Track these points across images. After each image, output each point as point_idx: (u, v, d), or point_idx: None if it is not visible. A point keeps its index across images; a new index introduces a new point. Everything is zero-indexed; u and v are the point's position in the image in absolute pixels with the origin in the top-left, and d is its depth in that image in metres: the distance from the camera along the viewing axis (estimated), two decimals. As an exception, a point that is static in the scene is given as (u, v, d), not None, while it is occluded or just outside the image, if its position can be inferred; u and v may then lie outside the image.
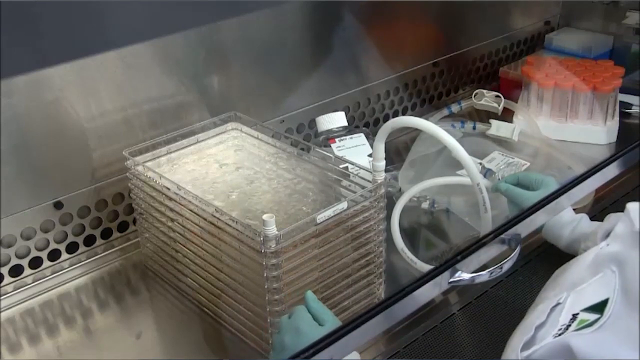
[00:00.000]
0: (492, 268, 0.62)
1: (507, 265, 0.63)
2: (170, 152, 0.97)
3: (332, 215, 0.79)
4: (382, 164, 0.83)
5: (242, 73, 1.14)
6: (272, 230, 0.75)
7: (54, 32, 0.87)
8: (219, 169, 0.96)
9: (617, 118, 1.32)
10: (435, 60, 1.43)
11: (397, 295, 0.50)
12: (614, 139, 1.31)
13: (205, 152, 0.99)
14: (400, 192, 1.14)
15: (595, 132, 1.30)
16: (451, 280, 0.57)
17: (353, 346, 0.48)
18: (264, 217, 0.75)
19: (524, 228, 0.61)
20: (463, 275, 0.57)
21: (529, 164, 1.23)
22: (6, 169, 0.91)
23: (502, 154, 1.26)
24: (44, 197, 0.96)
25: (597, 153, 1.27)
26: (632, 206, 0.63)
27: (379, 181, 0.82)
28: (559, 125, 1.32)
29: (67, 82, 0.94)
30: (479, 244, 0.57)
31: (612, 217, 0.87)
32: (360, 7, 1.24)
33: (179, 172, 0.95)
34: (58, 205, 0.98)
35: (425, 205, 1.10)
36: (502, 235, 0.61)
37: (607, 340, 0.48)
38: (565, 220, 0.94)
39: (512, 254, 0.64)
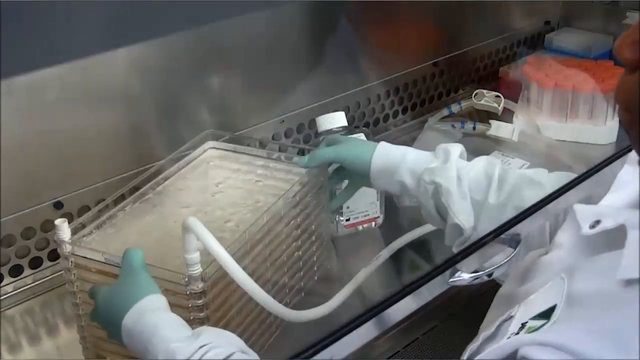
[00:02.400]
0: (492, 268, 0.62)
1: (507, 265, 0.63)
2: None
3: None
4: (194, 256, 0.71)
5: (242, 73, 1.13)
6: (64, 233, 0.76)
7: (55, 32, 0.87)
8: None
9: (617, 118, 1.32)
10: (435, 60, 1.43)
11: (397, 295, 0.50)
12: (614, 139, 1.31)
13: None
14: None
15: (595, 132, 1.30)
16: (451, 280, 0.57)
17: (353, 346, 0.48)
18: (56, 221, 0.76)
19: (524, 228, 0.61)
20: (463, 275, 0.58)
21: (529, 163, 1.23)
22: (6, 168, 0.91)
23: (502, 154, 1.26)
24: (44, 197, 0.96)
25: (597, 153, 1.27)
26: (578, 208, 0.58)
27: (194, 275, 0.71)
28: (559, 125, 1.32)
29: (67, 82, 0.94)
30: (479, 244, 0.57)
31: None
32: (360, 7, 1.24)
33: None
34: (58, 205, 0.98)
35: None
36: (502, 235, 0.61)
37: (548, 342, 0.48)
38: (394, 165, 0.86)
39: (512, 254, 0.64)
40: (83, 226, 0.81)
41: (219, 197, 0.91)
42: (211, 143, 1.00)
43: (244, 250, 0.77)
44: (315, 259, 0.94)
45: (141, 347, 0.66)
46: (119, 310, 0.68)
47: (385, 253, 0.94)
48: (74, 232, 0.79)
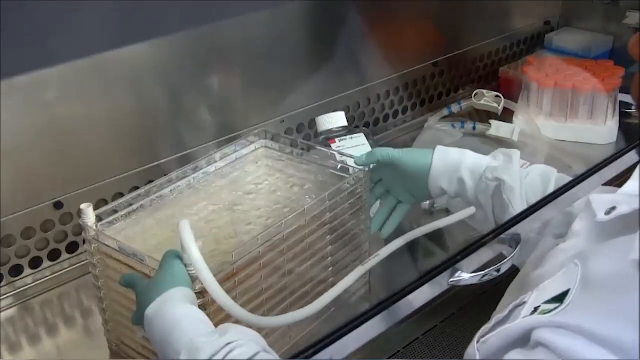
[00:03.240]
0: (492, 268, 0.62)
1: (507, 265, 0.63)
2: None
3: None
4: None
5: (242, 73, 1.14)
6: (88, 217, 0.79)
7: (55, 32, 0.88)
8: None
9: (617, 118, 1.32)
10: (435, 60, 1.43)
11: (397, 295, 0.50)
12: (614, 139, 1.31)
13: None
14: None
15: (595, 132, 1.30)
16: (451, 280, 0.57)
17: (353, 346, 0.48)
18: (82, 206, 0.78)
19: (524, 228, 0.62)
20: (463, 275, 0.58)
21: (529, 163, 1.22)
22: (6, 169, 0.91)
23: (502, 154, 1.26)
24: (44, 197, 0.96)
25: (597, 153, 1.27)
26: (594, 197, 0.60)
27: (191, 276, 0.71)
28: (559, 125, 1.32)
29: (67, 82, 0.94)
30: (479, 244, 0.57)
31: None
32: (360, 7, 1.24)
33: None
34: (58, 205, 0.98)
35: (425, 205, 1.10)
36: (502, 235, 0.61)
37: (563, 323, 0.49)
38: (449, 166, 0.87)
39: (512, 254, 0.64)
40: (111, 213, 0.82)
41: (253, 197, 0.89)
42: (264, 142, 0.98)
43: (253, 256, 0.76)
44: (348, 270, 0.89)
45: (160, 338, 0.64)
46: (145, 301, 0.67)
47: (383, 252, 0.93)
48: (102, 217, 0.81)
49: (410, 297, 0.51)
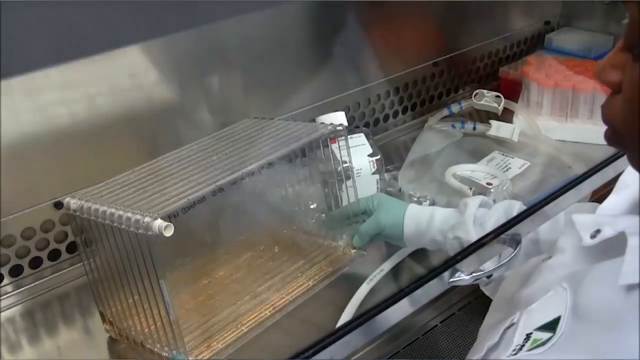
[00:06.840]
0: (492, 268, 0.62)
1: (507, 265, 0.63)
2: None
3: None
4: None
5: (242, 73, 1.14)
6: None
7: (55, 31, 0.87)
8: None
9: (617, 118, 1.32)
10: (435, 60, 1.43)
11: (397, 295, 0.50)
12: (614, 139, 1.31)
13: None
14: (400, 192, 1.14)
15: (595, 132, 1.30)
16: (451, 280, 0.57)
17: (353, 346, 0.48)
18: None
19: (524, 228, 0.61)
20: (463, 275, 0.57)
21: (529, 163, 1.23)
22: (6, 168, 0.91)
23: (502, 154, 1.26)
24: (44, 197, 0.96)
25: (597, 153, 1.27)
26: (578, 219, 0.59)
27: None
28: (559, 125, 1.32)
29: (67, 81, 0.94)
30: (479, 244, 0.57)
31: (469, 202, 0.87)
32: (360, 7, 1.24)
33: None
34: (58, 205, 0.98)
35: (425, 205, 1.10)
36: (502, 235, 0.61)
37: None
38: (415, 217, 0.90)
39: (512, 254, 0.64)
40: None
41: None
42: None
43: None
44: None
45: None
46: None
47: (386, 266, 0.95)
48: None
49: (410, 297, 0.51)
